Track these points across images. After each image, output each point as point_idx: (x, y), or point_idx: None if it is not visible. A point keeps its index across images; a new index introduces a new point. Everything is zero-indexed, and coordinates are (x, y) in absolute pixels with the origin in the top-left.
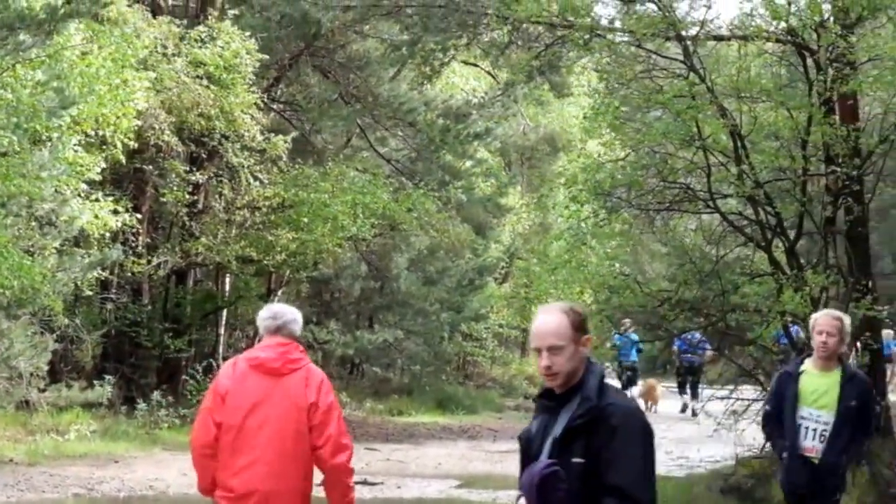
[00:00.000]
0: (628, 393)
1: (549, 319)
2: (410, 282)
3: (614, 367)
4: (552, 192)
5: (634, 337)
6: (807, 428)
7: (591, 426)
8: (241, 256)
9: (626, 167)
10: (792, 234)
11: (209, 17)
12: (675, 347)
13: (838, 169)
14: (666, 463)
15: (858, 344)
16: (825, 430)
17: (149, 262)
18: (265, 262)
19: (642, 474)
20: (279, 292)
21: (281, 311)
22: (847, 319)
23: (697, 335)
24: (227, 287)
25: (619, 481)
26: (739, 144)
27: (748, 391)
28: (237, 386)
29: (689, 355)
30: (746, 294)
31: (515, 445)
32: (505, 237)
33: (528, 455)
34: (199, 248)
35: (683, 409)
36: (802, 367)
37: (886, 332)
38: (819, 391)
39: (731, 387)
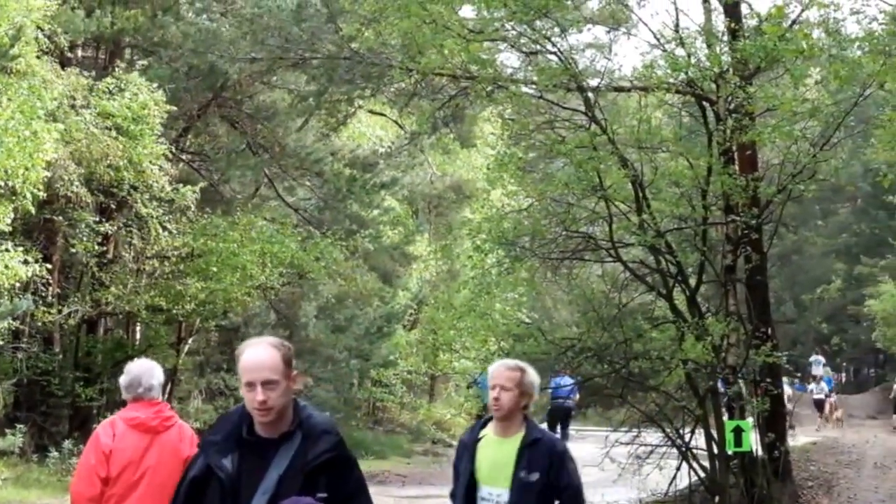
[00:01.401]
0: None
1: (262, 353)
2: (319, 329)
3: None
4: (457, 240)
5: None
6: None
7: (333, 460)
8: (150, 306)
9: (529, 216)
10: (693, 282)
11: (117, 69)
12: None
13: (738, 218)
14: None
15: (759, 390)
16: None
17: (59, 311)
18: (175, 311)
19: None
20: (189, 340)
21: (144, 376)
22: (531, 371)
23: (568, 378)
24: (138, 336)
25: None
26: (641, 194)
27: (651, 436)
28: (119, 444)
29: (560, 400)
30: (651, 340)
31: (426, 491)
32: (413, 284)
33: (227, 491)
34: (109, 298)
35: None
36: (482, 433)
37: (824, 369)
38: (497, 464)
39: (635, 432)
